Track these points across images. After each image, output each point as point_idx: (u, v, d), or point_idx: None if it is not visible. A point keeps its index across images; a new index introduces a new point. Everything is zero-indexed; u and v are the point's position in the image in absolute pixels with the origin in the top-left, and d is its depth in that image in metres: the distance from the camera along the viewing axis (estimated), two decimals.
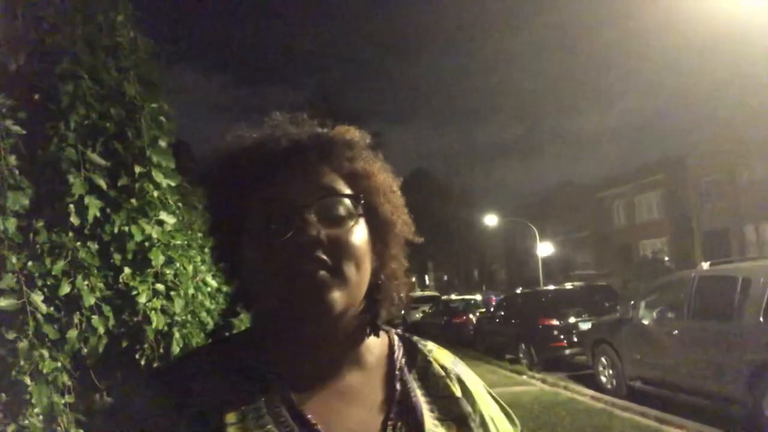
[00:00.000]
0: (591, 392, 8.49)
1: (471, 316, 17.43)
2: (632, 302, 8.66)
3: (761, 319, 5.92)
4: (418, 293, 29.77)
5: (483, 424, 0.74)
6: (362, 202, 0.70)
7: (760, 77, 21.63)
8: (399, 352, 0.77)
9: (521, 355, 12.00)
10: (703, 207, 27.50)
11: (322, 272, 0.65)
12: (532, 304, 12.76)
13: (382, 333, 0.77)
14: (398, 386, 0.72)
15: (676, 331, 7.24)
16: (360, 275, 0.68)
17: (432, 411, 0.72)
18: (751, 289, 6.15)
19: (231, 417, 0.64)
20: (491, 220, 33.78)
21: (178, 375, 0.69)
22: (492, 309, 15.98)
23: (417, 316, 22.43)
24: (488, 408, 0.77)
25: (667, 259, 27.00)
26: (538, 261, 29.23)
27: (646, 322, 7.93)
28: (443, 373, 0.76)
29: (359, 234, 0.69)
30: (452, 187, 49.67)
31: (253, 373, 0.68)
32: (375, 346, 0.76)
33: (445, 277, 54.28)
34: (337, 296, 0.65)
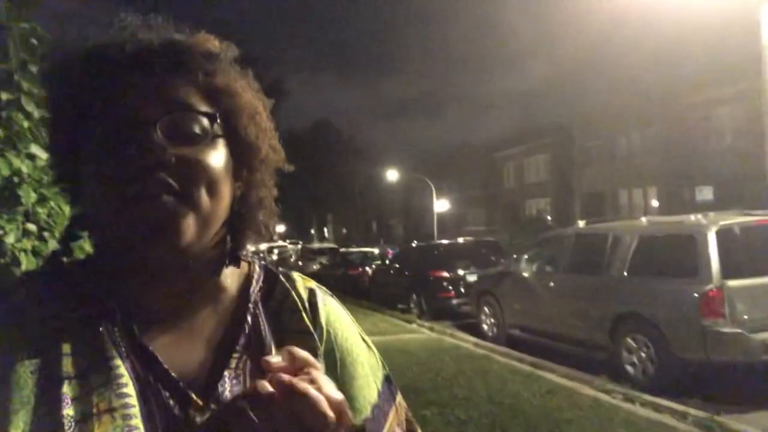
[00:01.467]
0: (474, 339, 9.05)
1: (367, 268, 17.81)
2: (515, 256, 9.25)
3: (625, 274, 6.56)
4: (317, 245, 29.86)
5: (331, 359, 0.71)
6: (218, 121, 0.63)
7: (645, 48, 23.21)
8: (256, 286, 0.72)
9: (412, 305, 12.51)
10: (584, 171, 29.57)
11: (168, 197, 0.58)
12: (424, 257, 13.25)
13: (242, 264, 0.73)
14: (249, 320, 0.68)
15: (552, 284, 7.85)
16: (215, 201, 0.61)
17: (280, 346, 0.65)
18: (620, 246, 6.78)
19: (67, 347, 0.58)
20: (392, 175, 34.35)
21: (11, 299, 0.61)
22: (387, 261, 16.41)
23: (315, 267, 22.56)
24: (340, 334, 0.73)
25: (549, 218, 28.94)
26: (434, 216, 30.25)
27: (526, 275, 8.53)
28: (299, 306, 0.72)
29: (215, 156, 0.62)
30: (355, 141, 49.66)
31: (93, 302, 0.62)
32: (232, 277, 0.71)
33: (344, 230, 54.77)
34: (185, 225, 0.59)
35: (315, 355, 0.66)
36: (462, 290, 11.44)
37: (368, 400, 0.71)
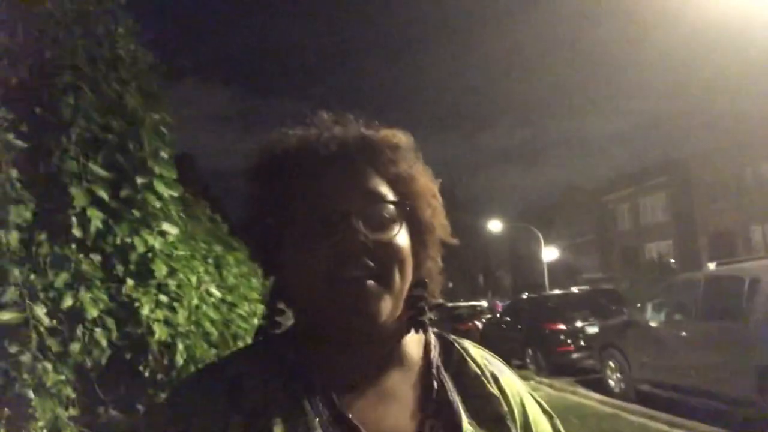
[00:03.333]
0: (599, 396, 8.42)
1: (477, 322, 17.36)
2: (639, 305, 8.62)
3: None
4: None
5: (523, 424, 0.74)
6: (406, 208, 0.71)
7: (762, 77, 21.61)
8: (435, 351, 0.76)
9: (528, 361, 11.93)
10: (708, 208, 27.40)
11: (369, 281, 0.65)
12: (538, 309, 12.70)
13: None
14: (435, 385, 0.72)
15: (684, 333, 7.19)
16: (404, 279, 0.69)
17: (468, 411, 0.71)
18: (759, 288, 6.11)
19: (277, 419, 0.64)
20: (495, 225, 33.73)
21: (229, 373, 0.69)
22: (498, 315, 15.92)
23: None
24: (528, 407, 0.76)
25: (673, 261, 26.88)
26: (543, 266, 29.15)
27: (653, 324, 7.89)
28: (478, 372, 0.76)
29: (403, 239, 0.70)
30: (456, 193, 49.70)
31: (297, 373, 0.69)
32: (413, 344, 0.76)
33: (450, 284, 54.18)
34: (383, 305, 0.66)
35: (504, 419, 0.71)
36: (582, 343, 10.76)
37: None
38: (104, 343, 2.01)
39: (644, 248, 32.95)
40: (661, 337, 7.69)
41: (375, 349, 0.71)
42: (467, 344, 0.81)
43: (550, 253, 30.56)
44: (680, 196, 29.89)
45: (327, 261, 0.65)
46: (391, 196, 0.71)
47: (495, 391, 0.74)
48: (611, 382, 8.71)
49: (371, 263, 0.66)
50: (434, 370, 0.73)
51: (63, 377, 1.87)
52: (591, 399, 8.39)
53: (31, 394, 1.76)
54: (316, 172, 0.69)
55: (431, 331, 0.80)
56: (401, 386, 0.71)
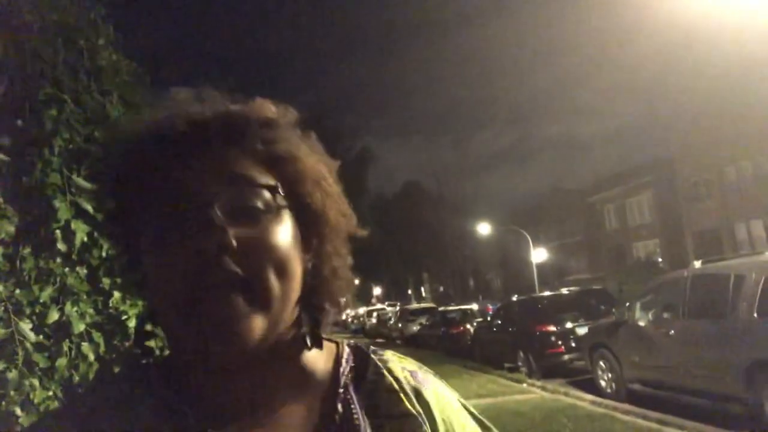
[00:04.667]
0: (591, 397, 8.46)
1: (468, 326, 17.38)
2: (627, 304, 8.68)
3: (755, 315, 5.94)
4: (415, 305, 29.69)
5: None
6: (281, 192, 0.58)
7: (744, 78, 21.92)
8: (346, 366, 0.65)
9: (520, 363, 11.96)
10: (693, 207, 27.70)
11: (233, 294, 0.52)
12: (528, 312, 12.74)
13: (327, 344, 0.66)
14: (339, 407, 0.61)
15: (673, 331, 7.25)
16: (285, 284, 0.56)
17: None
18: (744, 285, 6.18)
19: None
20: (484, 228, 33.86)
21: (81, 410, 0.58)
22: (489, 318, 15.95)
23: (414, 328, 22.35)
24: (457, 422, 0.66)
25: (660, 260, 27.11)
26: (532, 268, 29.28)
27: (642, 323, 7.95)
28: (396, 387, 0.64)
29: (281, 231, 0.56)
30: (444, 197, 49.84)
31: (168, 407, 0.57)
32: (320, 360, 0.65)
33: (441, 288, 54.23)
34: (251, 325, 0.53)
35: None
36: (573, 344, 10.81)
37: None
38: (92, 357, 1.99)
39: (631, 248, 33.24)
40: (650, 336, 7.75)
41: (257, 371, 0.58)
42: (390, 356, 0.70)
43: (539, 255, 30.71)
44: (666, 196, 30.21)
45: (179, 266, 0.52)
46: (264, 179, 0.57)
47: (413, 408, 0.63)
48: (602, 383, 8.75)
49: (236, 267, 0.52)
50: (341, 389, 0.63)
51: (50, 393, 1.85)
52: (583, 400, 8.43)
53: (18, 411, 1.74)
54: (165, 159, 0.55)
55: (345, 343, 0.69)
56: (298, 411, 0.60)
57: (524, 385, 10.46)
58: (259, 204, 0.56)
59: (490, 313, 17.35)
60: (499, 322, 13.97)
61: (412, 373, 0.68)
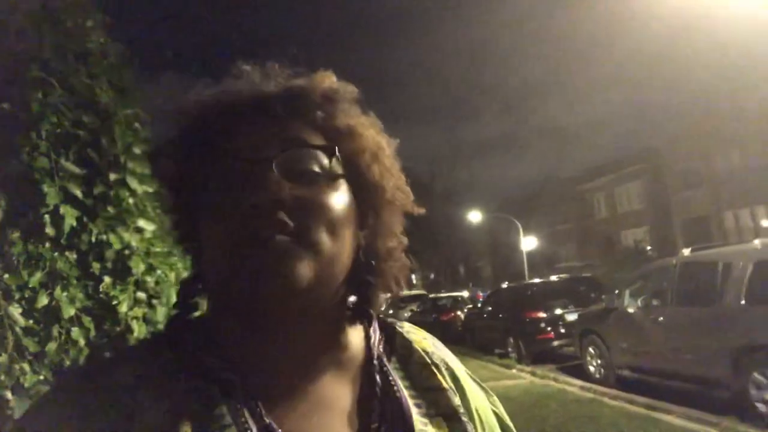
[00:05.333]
0: (580, 382, 8.56)
1: (459, 312, 17.49)
2: (617, 291, 8.76)
3: (742, 302, 6.01)
4: (406, 292, 29.83)
5: (473, 416, 0.64)
6: (337, 155, 0.59)
7: (733, 70, 22.01)
8: (375, 337, 0.64)
9: (510, 349, 12.07)
10: (682, 195, 27.90)
11: (282, 237, 0.53)
12: (518, 298, 12.84)
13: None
14: (378, 379, 0.61)
15: (661, 318, 7.33)
16: (336, 245, 0.56)
17: (419, 407, 0.61)
18: (732, 273, 6.25)
19: (188, 430, 0.51)
20: (475, 216, 33.96)
21: (119, 378, 0.53)
22: (479, 305, 16.05)
23: (405, 315, 22.46)
24: (475, 398, 0.68)
25: (649, 248, 27.34)
26: (522, 255, 29.42)
27: (631, 310, 8.03)
28: (427, 360, 0.66)
29: (336, 197, 0.57)
30: (435, 185, 49.87)
31: (211, 375, 0.55)
32: (354, 334, 0.64)
33: (432, 275, 54.41)
34: (300, 267, 0.52)
35: (455, 413, 0.62)
36: (562, 331, 10.91)
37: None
38: (82, 342, 1.98)
39: (621, 236, 33.45)
40: (638, 323, 7.83)
41: (303, 336, 0.58)
42: (408, 326, 0.71)
43: (529, 243, 30.86)
44: (655, 184, 30.37)
45: (235, 219, 0.53)
46: (321, 143, 0.59)
47: (444, 381, 0.64)
48: (591, 368, 8.85)
49: (287, 220, 0.53)
50: (375, 361, 0.62)
51: (41, 377, 1.85)
52: (572, 385, 8.53)
53: (9, 395, 1.73)
54: (230, 128, 0.58)
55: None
56: (339, 386, 0.60)
57: (514, 370, 10.56)
58: (316, 167, 0.57)
59: (481, 300, 17.45)
60: (490, 308, 14.07)
61: (434, 345, 0.70)
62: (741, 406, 5.85)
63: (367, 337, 0.65)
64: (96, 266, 2.10)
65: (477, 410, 0.66)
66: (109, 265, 2.12)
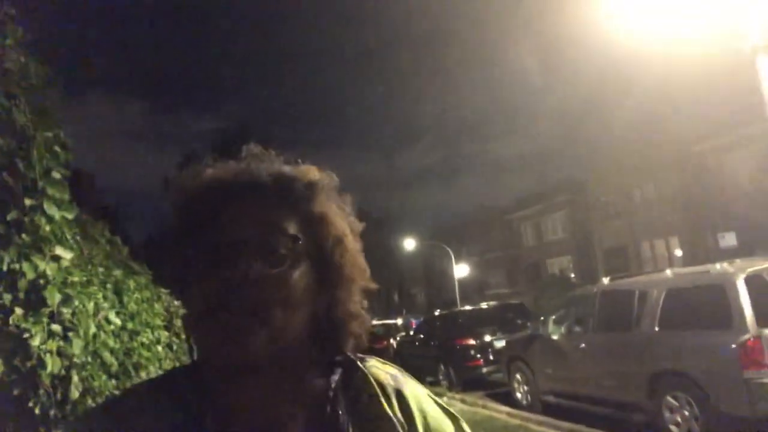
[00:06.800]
0: (507, 409, 8.72)
1: (392, 340, 17.47)
2: (542, 318, 9.05)
3: (657, 329, 6.36)
4: None
5: None
6: (302, 243, 0.70)
7: (654, 110, 23.57)
8: (335, 376, 0.77)
9: (441, 377, 12.16)
10: (603, 226, 29.33)
11: (241, 316, 0.64)
12: (449, 325, 13.01)
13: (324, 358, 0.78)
14: (328, 410, 0.72)
15: (583, 344, 7.62)
16: (290, 317, 0.68)
17: None
18: (647, 301, 6.61)
19: None
20: (409, 244, 34.31)
21: (119, 411, 0.70)
22: (412, 332, 16.11)
23: None
24: (430, 417, 0.78)
25: (573, 276, 28.47)
26: (455, 283, 29.92)
27: (555, 337, 8.30)
28: (378, 391, 0.76)
29: (295, 275, 0.69)
30: (371, 212, 50.11)
31: (190, 409, 0.69)
32: (319, 379, 0.76)
33: (365, 303, 54.23)
34: (253, 341, 0.64)
35: None
36: (491, 357, 11.12)
37: None
38: None
39: (546, 263, 34.69)
40: (562, 349, 8.10)
41: (263, 381, 0.70)
42: (373, 362, 0.82)
43: (461, 270, 31.44)
44: (579, 215, 31.79)
45: (211, 291, 0.65)
46: (294, 231, 0.71)
47: (391, 411, 0.75)
48: (518, 395, 9.05)
49: (250, 295, 0.65)
50: (330, 393, 0.74)
51: None
52: (500, 412, 8.67)
53: None
54: (223, 205, 0.69)
55: (338, 355, 0.80)
56: (295, 416, 0.72)
57: (445, 398, 10.63)
58: (283, 251, 0.69)
59: (414, 327, 17.54)
60: (422, 336, 14.16)
61: (392, 376, 0.81)
62: (656, 429, 6.13)
63: (328, 382, 0.76)
64: (7, 297, 1.98)
65: (436, 430, 0.77)
66: (21, 295, 2.01)
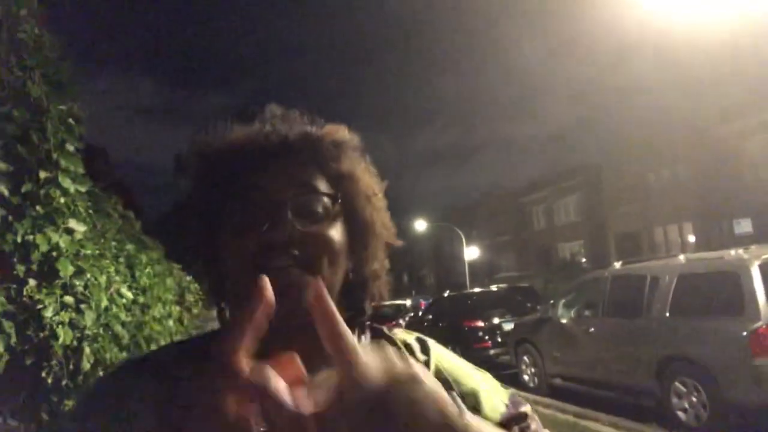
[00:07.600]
0: (514, 391, 8.74)
1: (401, 321, 17.56)
2: (551, 302, 9.03)
3: (667, 314, 6.33)
4: None
5: (443, 379, 0.76)
6: (339, 201, 0.72)
7: (668, 93, 23.21)
8: (364, 341, 0.79)
9: None
10: (617, 211, 29.11)
11: (294, 268, 0.66)
12: (458, 307, 13.03)
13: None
14: None
15: (592, 329, 7.61)
16: (333, 271, 0.70)
17: None
18: (659, 286, 6.57)
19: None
20: (420, 225, 34.28)
21: (160, 359, 0.72)
22: (421, 313, 16.18)
23: None
24: (454, 367, 0.81)
25: (584, 260, 28.36)
26: (464, 265, 29.92)
27: (564, 320, 8.29)
28: (401, 346, 0.79)
29: (335, 233, 0.71)
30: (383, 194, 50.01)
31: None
32: None
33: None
34: (307, 293, 0.64)
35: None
36: (499, 340, 11.15)
37: (497, 410, 0.77)
38: (1, 348, 1.88)
39: (557, 248, 34.56)
40: (571, 333, 8.10)
41: (302, 342, 0.69)
42: (399, 331, 0.84)
43: (471, 252, 31.44)
44: (591, 199, 31.57)
45: (254, 251, 0.66)
46: (327, 190, 0.72)
47: (415, 359, 0.76)
48: (526, 377, 9.08)
49: (298, 253, 0.66)
50: None
51: None
52: None
53: None
54: (254, 166, 0.70)
55: (366, 325, 0.82)
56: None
57: None
58: (320, 209, 0.70)
59: (423, 308, 17.61)
60: (431, 317, 14.21)
61: (419, 339, 0.83)
62: (664, 414, 6.14)
63: (358, 341, 0.73)
64: (20, 268, 2.00)
65: (475, 393, 0.79)
66: (34, 267, 2.03)
